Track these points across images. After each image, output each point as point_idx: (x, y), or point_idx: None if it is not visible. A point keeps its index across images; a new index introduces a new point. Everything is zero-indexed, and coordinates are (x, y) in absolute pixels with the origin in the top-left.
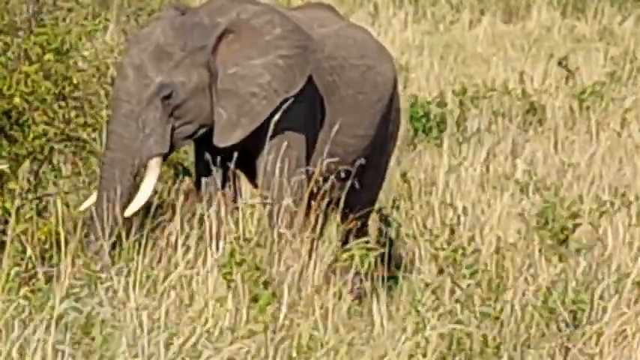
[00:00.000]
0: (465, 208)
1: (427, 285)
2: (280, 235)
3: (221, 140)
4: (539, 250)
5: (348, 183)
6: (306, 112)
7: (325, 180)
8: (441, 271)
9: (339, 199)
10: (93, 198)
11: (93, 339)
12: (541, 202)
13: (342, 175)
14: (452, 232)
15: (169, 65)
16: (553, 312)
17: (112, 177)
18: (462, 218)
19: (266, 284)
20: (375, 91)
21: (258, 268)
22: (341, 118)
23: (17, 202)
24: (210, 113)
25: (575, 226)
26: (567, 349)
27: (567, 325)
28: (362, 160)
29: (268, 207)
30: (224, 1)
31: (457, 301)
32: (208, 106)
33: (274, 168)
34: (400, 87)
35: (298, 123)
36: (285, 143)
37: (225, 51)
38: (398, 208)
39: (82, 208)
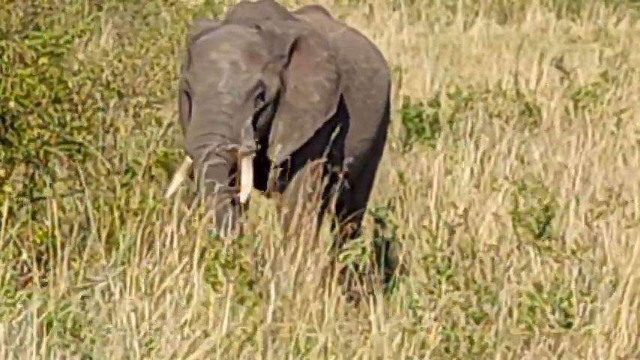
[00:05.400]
0: (465, 209)
1: (424, 286)
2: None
3: (274, 152)
4: (518, 247)
5: (340, 185)
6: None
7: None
8: (438, 272)
9: (334, 201)
10: (177, 182)
11: (87, 341)
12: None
13: (332, 176)
14: (451, 232)
15: (260, 66)
16: (546, 312)
17: (225, 162)
18: (461, 219)
19: (251, 284)
20: (380, 94)
21: (242, 270)
22: (350, 122)
23: (10, 204)
24: (269, 125)
25: (549, 218)
26: (561, 350)
27: (560, 326)
28: (349, 160)
29: (284, 213)
30: (268, 8)
31: (454, 303)
32: (272, 117)
33: (297, 177)
34: (395, 88)
35: (321, 133)
36: (308, 152)
37: (292, 64)
38: (393, 209)
39: (169, 194)
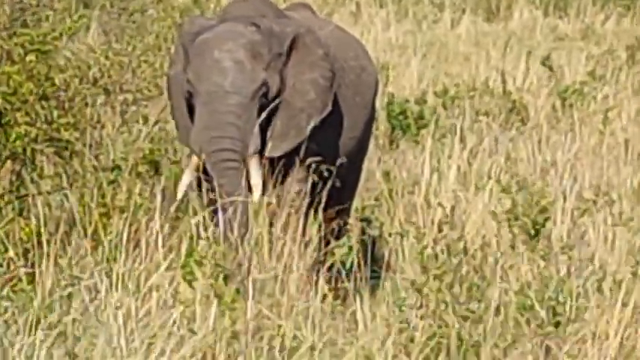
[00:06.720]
0: (452, 207)
1: (411, 284)
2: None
3: (271, 150)
4: (512, 247)
5: (330, 183)
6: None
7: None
8: (424, 270)
9: (320, 200)
10: (185, 182)
11: (74, 339)
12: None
13: (326, 174)
14: (440, 230)
15: (263, 65)
16: (533, 310)
17: (237, 164)
18: (448, 217)
19: (226, 279)
20: (368, 92)
21: (218, 265)
22: (340, 120)
23: None
24: (268, 123)
25: (546, 220)
26: (548, 348)
27: (548, 324)
28: (344, 159)
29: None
30: (262, 6)
31: (442, 301)
32: (271, 115)
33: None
34: (382, 86)
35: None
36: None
37: (290, 63)
38: (380, 206)
39: (179, 195)
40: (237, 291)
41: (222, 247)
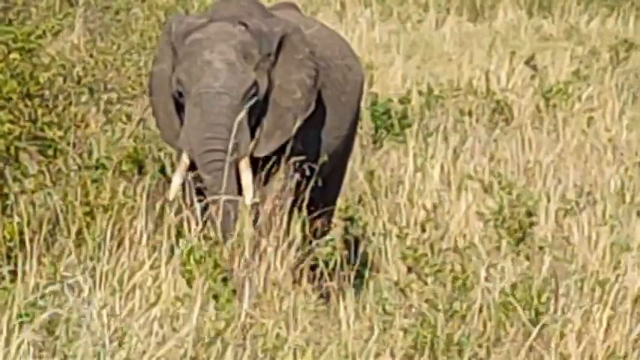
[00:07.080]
0: (434, 206)
1: (395, 284)
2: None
3: (258, 150)
4: (497, 248)
5: (312, 182)
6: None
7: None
8: (408, 270)
9: (304, 199)
10: (176, 183)
11: (57, 338)
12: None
13: (308, 173)
14: (423, 230)
15: (253, 66)
16: (517, 310)
17: (224, 165)
18: (431, 216)
19: (225, 281)
20: (354, 91)
21: (217, 265)
22: (326, 119)
23: None
24: (256, 123)
25: (532, 224)
26: (531, 347)
27: (532, 323)
28: (325, 158)
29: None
30: (250, 5)
31: (426, 300)
32: (259, 115)
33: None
34: (366, 86)
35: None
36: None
37: (278, 62)
38: (364, 206)
39: (171, 196)
40: (234, 292)
41: (210, 245)
